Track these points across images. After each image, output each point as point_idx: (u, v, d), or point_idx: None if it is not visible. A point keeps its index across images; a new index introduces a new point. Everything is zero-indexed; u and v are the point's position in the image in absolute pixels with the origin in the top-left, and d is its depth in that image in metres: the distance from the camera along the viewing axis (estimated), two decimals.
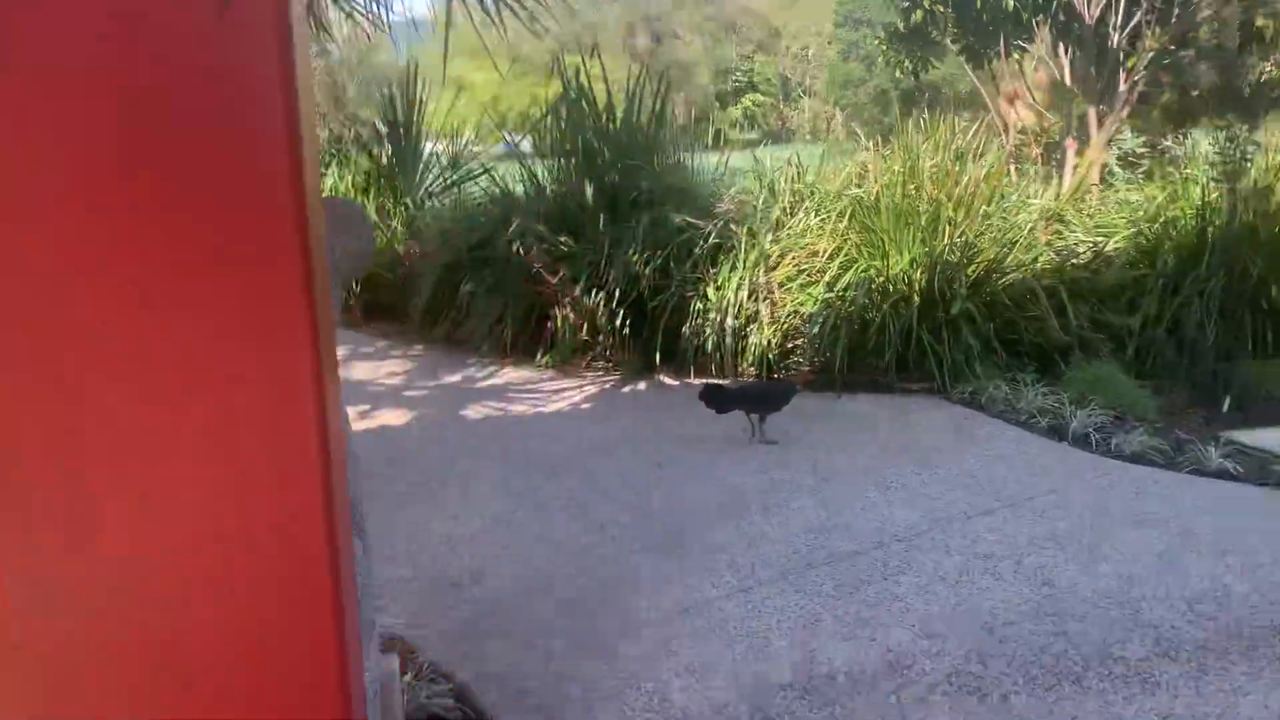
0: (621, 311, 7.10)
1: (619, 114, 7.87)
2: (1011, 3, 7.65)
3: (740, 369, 6.78)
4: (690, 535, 4.10)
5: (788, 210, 7.09)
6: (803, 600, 3.50)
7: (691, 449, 5.32)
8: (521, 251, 7.40)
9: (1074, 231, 6.81)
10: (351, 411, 6.23)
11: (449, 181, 10.48)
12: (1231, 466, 4.63)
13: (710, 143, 9.62)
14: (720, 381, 5.50)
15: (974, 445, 5.18)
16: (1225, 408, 5.61)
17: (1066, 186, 7.54)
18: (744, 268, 6.76)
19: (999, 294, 6.19)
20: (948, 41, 8.31)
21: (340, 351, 8.54)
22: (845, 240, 6.57)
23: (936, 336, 6.20)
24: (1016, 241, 6.45)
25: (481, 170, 10.24)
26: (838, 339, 6.29)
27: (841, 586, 3.59)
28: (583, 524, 4.27)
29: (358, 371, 7.59)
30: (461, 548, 4.07)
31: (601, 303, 7.08)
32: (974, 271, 6.32)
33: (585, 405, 6.37)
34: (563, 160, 7.88)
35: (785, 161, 7.62)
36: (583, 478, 4.90)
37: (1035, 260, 6.44)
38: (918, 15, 8.26)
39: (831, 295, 6.40)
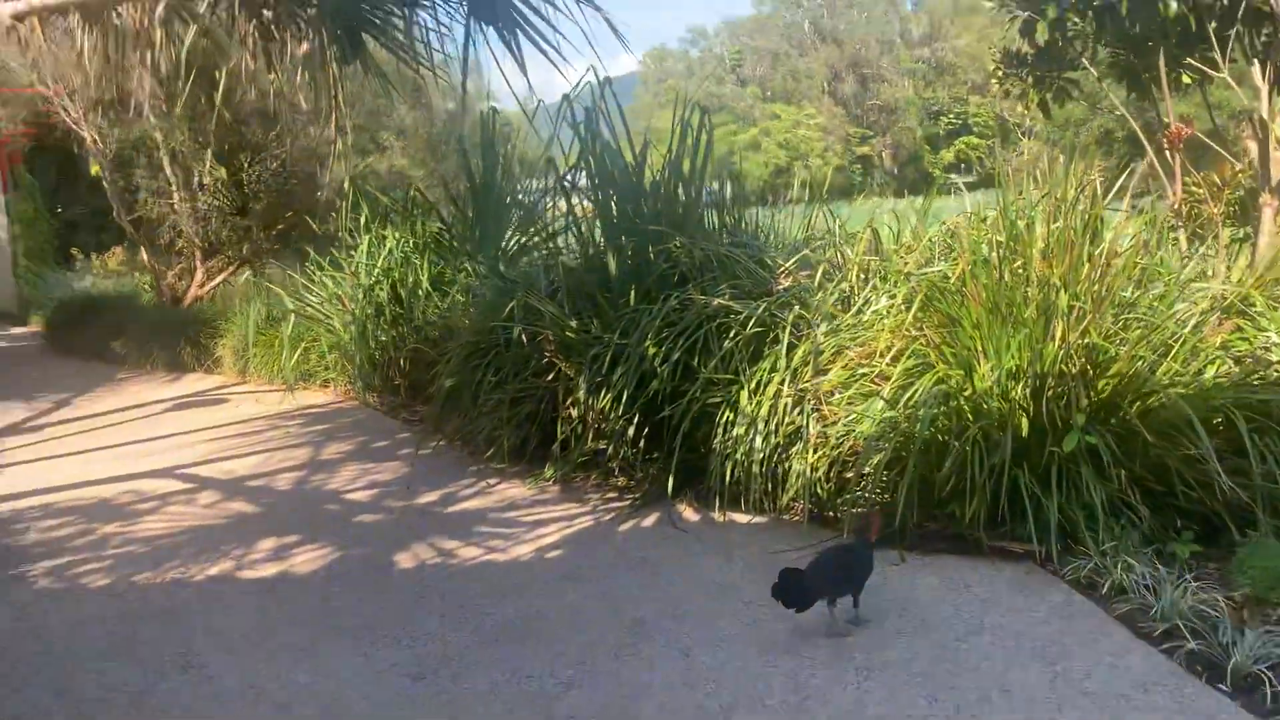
0: (636, 417, 5.53)
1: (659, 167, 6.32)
2: (1175, 4, 5.49)
3: (780, 504, 5.04)
4: None
5: (854, 291, 5.32)
6: None
7: (644, 644, 3.67)
8: (524, 337, 5.97)
9: (1266, 330, 4.67)
10: (269, 544, 4.95)
11: (520, 244, 9.20)
12: None
13: (822, 193, 7.85)
14: (797, 566, 3.80)
15: (1064, 683, 3.27)
16: None
17: (1256, 262, 5.36)
18: (785, 368, 5.05)
19: (1140, 423, 4.20)
20: (1085, 61, 6.27)
21: (346, 445, 7.40)
22: (919, 337, 4.74)
23: (1043, 481, 4.27)
24: (1172, 345, 4.43)
25: (558, 231, 8.91)
26: (904, 475, 4.46)
27: None
28: None
29: (339, 478, 6.33)
30: None
31: (608, 405, 5.53)
32: (1104, 388, 4.35)
33: (555, 552, 4.82)
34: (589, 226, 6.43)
35: (868, 223, 5.86)
36: (443, 698, 3.35)
37: (1201, 373, 4.40)
38: (1041, 29, 6.22)
39: (895, 413, 4.59)
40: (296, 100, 10.25)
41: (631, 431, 5.52)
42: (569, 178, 6.64)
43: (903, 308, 4.87)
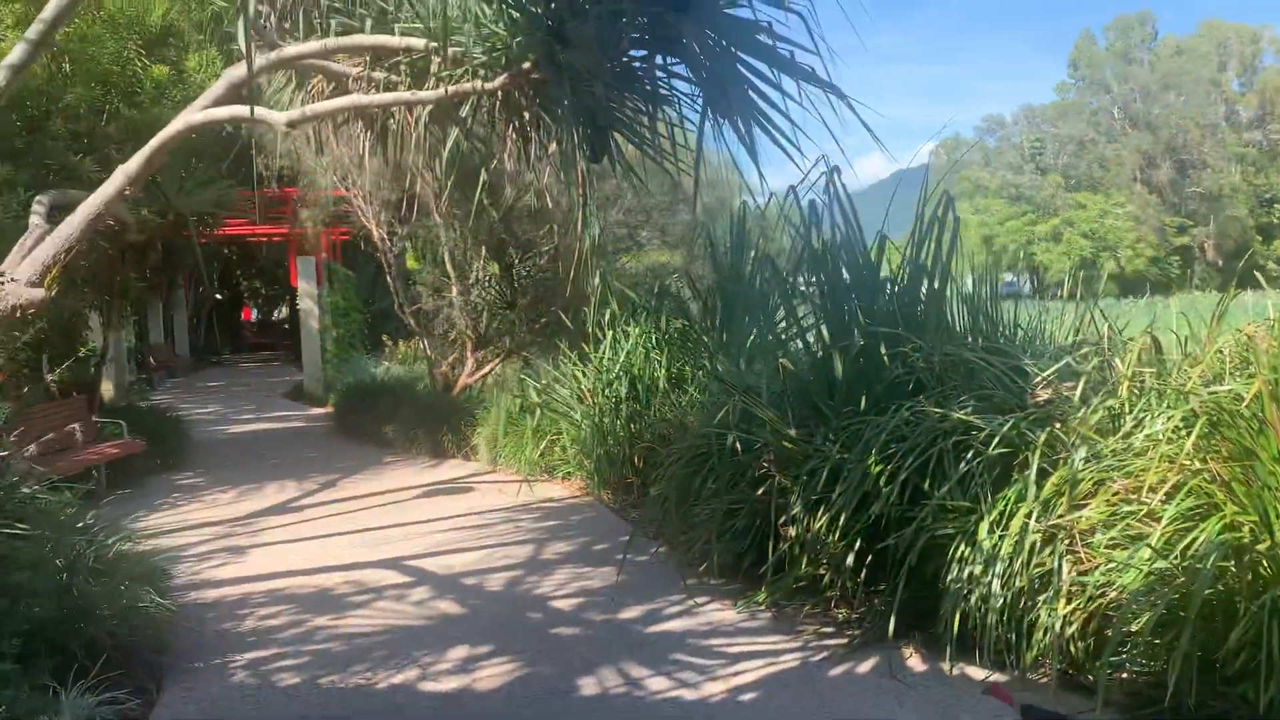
0: (858, 543, 4.90)
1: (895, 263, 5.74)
2: None
3: (1024, 659, 4.22)
4: None
5: (1125, 409, 4.47)
6: None
7: None
8: (739, 445, 5.52)
9: None
10: (460, 653, 4.76)
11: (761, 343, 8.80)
12: None
13: (1098, 288, 6.96)
14: None
15: None
16: None
17: None
18: (1034, 498, 4.27)
19: None
20: None
21: (567, 546, 7.19)
22: (1201, 471, 3.84)
23: None
24: None
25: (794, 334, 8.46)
26: (1179, 641, 3.58)
27: None
28: None
29: (550, 581, 6.11)
30: None
31: (824, 526, 4.94)
32: None
33: (751, 694, 4.27)
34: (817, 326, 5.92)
35: (1146, 328, 4.96)
36: None
37: None
38: None
39: (1168, 564, 3.71)
40: (555, 198, 10.53)
41: (852, 559, 4.90)
42: (799, 275, 6.20)
43: (1182, 433, 3.99)
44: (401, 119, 7.49)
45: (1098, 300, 6.62)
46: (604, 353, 8.98)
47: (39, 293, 5.73)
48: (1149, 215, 71.17)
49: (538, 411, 9.50)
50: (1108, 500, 4.07)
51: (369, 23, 7.12)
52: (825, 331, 5.78)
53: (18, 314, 5.34)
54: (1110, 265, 69.24)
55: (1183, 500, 3.79)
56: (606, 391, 8.70)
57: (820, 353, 5.79)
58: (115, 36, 10.00)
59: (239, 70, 6.97)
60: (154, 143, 6.75)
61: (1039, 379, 5.02)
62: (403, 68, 7.14)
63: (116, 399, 16.28)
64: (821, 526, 4.93)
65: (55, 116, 9.38)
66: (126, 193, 6.92)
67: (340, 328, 20.17)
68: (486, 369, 12.81)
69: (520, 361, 12.60)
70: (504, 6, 6.14)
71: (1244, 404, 3.78)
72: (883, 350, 5.38)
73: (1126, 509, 3.99)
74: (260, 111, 7.20)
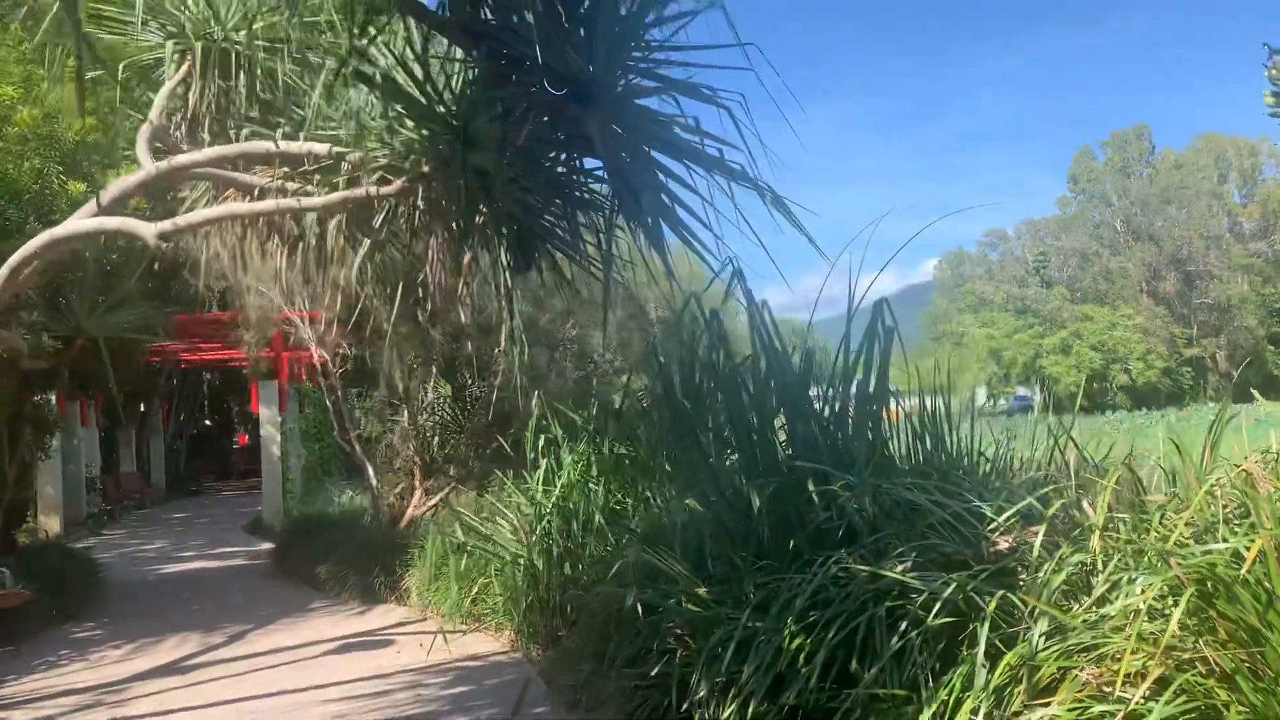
0: None
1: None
2: None
3: None
4: None
5: (1097, 564, 3.51)
6: None
7: None
8: (639, 607, 4.55)
9: None
10: None
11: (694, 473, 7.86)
12: None
13: (1076, 403, 6.00)
14: None
15: None
16: None
17: None
18: (984, 686, 3.28)
19: None
20: None
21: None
22: (1194, 657, 2.87)
23: None
24: None
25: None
26: None
27: None
28: None
29: None
30: None
31: (734, 715, 3.93)
32: None
33: None
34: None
35: (1124, 458, 4.02)
36: None
37: None
38: None
39: None
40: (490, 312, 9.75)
41: None
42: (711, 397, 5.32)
43: (1168, 602, 3.03)
44: (313, 229, 6.83)
45: (1080, 415, 5.69)
46: (536, 484, 8.05)
47: None
48: (1157, 327, 70.59)
49: (465, 554, 8.50)
50: (1076, 695, 3.08)
51: (280, 131, 6.50)
52: (740, 465, 4.87)
53: None
54: (1122, 378, 68.28)
55: (1171, 699, 2.79)
56: (539, 527, 7.73)
57: (737, 491, 4.86)
58: (39, 154, 9.50)
59: (127, 180, 6.32)
60: (13, 260, 6.03)
61: (995, 524, 4.08)
62: (315, 176, 6.48)
63: (63, 535, 15.35)
64: (731, 716, 3.92)
65: None
66: None
67: (311, 454, 19.32)
68: (435, 499, 11.84)
69: (474, 490, 11.64)
70: (389, 107, 5.45)
71: (1244, 568, 2.82)
72: (811, 488, 4.45)
73: (1100, 707, 2.99)
74: (127, 222, 6.46)
